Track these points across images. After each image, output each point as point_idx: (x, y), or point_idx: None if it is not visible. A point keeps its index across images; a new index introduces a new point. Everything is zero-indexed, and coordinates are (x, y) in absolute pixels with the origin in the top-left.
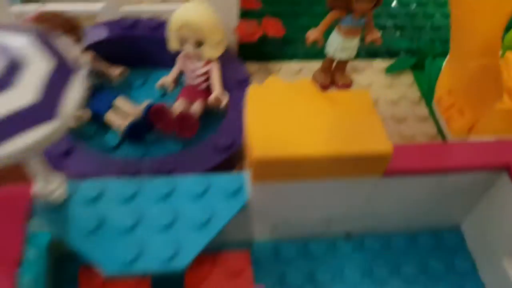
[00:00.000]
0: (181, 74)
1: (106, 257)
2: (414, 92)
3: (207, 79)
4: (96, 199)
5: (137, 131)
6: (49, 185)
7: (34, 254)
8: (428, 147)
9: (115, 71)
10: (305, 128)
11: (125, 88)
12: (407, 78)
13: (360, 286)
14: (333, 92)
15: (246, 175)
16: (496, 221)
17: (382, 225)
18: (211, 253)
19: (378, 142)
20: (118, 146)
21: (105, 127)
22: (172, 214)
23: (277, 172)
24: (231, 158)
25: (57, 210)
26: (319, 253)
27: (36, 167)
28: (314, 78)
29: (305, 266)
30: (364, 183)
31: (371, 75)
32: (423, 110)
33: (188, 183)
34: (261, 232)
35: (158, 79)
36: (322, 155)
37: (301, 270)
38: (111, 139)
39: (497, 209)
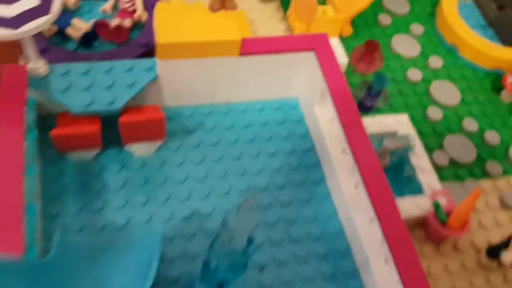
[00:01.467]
0: (116, 1)
1: (73, 103)
2: (281, 13)
3: (133, 4)
4: (65, 74)
5: (88, 39)
6: (37, 64)
7: (30, 114)
8: (270, 39)
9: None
10: (196, 27)
11: (78, 13)
12: (277, 3)
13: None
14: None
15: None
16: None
17: (246, 93)
18: (135, 106)
19: (238, 34)
20: (75, 50)
21: (66, 38)
22: (113, 80)
23: (174, 52)
24: (149, 51)
25: (42, 81)
26: (207, 113)
27: (30, 51)
28: (210, 3)
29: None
30: (230, 60)
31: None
32: (284, 25)
33: (121, 64)
34: (168, 100)
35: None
36: (206, 41)
37: (195, 125)
38: (71, 46)
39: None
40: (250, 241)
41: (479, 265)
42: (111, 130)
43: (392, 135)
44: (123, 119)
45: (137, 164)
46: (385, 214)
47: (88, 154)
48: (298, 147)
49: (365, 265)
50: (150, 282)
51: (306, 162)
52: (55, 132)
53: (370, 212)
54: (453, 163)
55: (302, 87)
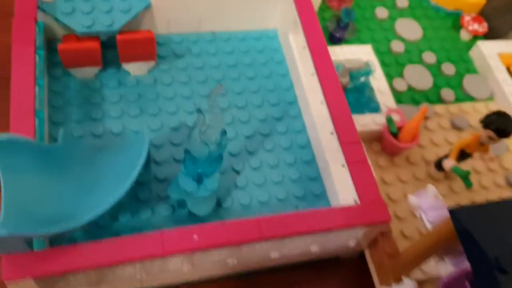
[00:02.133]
0: None
1: (77, 24)
2: None
3: None
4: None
5: None
6: None
7: (39, 35)
8: None
9: None
10: None
11: None
12: None
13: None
14: None
15: None
16: (287, 19)
17: (229, 24)
18: (131, 30)
19: None
20: None
21: None
22: (111, 5)
23: None
24: None
25: (50, 5)
26: (194, 40)
27: None
28: None
29: (186, 51)
30: None
31: None
32: None
33: None
34: (159, 27)
35: None
36: None
37: (184, 50)
38: None
39: (290, 11)
40: (223, 133)
41: (428, 175)
42: (110, 51)
43: (356, 61)
44: (120, 37)
45: (132, 82)
46: (343, 127)
47: (90, 72)
48: (274, 72)
49: (326, 169)
50: (136, 171)
51: (281, 85)
52: (61, 47)
53: (330, 125)
54: (411, 89)
55: (280, 18)
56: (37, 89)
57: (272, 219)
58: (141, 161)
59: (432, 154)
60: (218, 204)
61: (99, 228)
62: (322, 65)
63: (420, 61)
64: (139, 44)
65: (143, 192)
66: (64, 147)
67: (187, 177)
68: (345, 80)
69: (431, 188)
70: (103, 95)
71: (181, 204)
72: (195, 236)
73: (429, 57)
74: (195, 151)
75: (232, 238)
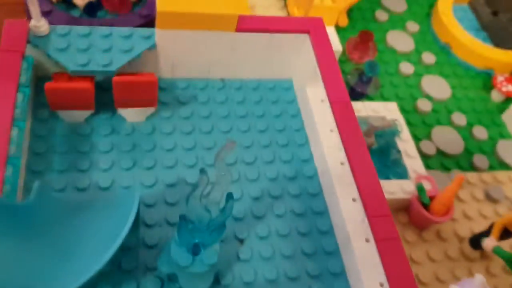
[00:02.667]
0: None
1: (70, 62)
2: (282, 2)
3: None
4: (65, 34)
5: (92, 8)
6: (39, 23)
7: (27, 70)
8: (266, 18)
9: None
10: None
11: None
12: None
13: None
14: None
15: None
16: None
17: (241, 71)
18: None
19: (236, 9)
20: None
21: (71, 5)
22: (111, 44)
23: (173, 22)
24: (150, 23)
25: (42, 39)
26: (201, 87)
27: (34, 9)
28: None
29: (192, 98)
30: (227, 35)
31: None
32: (284, 13)
33: (120, 30)
34: (164, 71)
35: None
36: (204, 12)
37: (189, 97)
38: (75, 13)
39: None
40: (228, 197)
41: (462, 254)
42: (106, 95)
43: (383, 119)
44: (117, 79)
45: (127, 129)
46: (368, 193)
47: (80, 115)
48: (288, 126)
49: (346, 244)
50: (122, 236)
51: (295, 140)
52: (49, 86)
53: (354, 190)
54: (440, 153)
55: (296, 68)
56: (15, 132)
57: None
58: (128, 223)
59: (465, 229)
60: (216, 280)
61: None
62: (345, 121)
63: (449, 123)
64: (139, 88)
65: (128, 260)
66: (38, 204)
67: (181, 247)
68: (370, 140)
69: (478, 278)
70: (93, 142)
71: (172, 278)
72: None
73: (459, 118)
74: (193, 217)
75: None
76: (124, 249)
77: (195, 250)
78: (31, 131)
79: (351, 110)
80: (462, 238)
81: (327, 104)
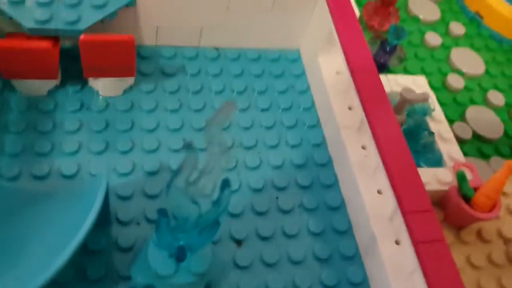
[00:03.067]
0: None
1: (26, 18)
2: None
3: None
4: None
5: None
6: None
7: None
8: None
9: None
10: None
11: None
12: None
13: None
14: None
15: None
16: (317, 35)
17: (239, 39)
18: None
19: None
20: None
21: None
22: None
23: None
24: None
25: None
26: (191, 56)
27: None
28: None
29: (179, 69)
30: None
31: None
32: None
33: None
34: (146, 36)
35: None
36: None
37: (175, 68)
38: None
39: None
40: (224, 185)
41: (509, 259)
42: (74, 64)
43: (417, 92)
44: (84, 37)
45: (100, 105)
46: (403, 182)
47: (41, 87)
48: (296, 104)
49: (370, 246)
50: (83, 233)
51: (305, 121)
52: (0, 44)
53: (380, 180)
54: (476, 137)
55: (306, 34)
56: None
57: None
58: (91, 217)
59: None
60: None
61: None
62: (370, 95)
63: (484, 102)
64: (111, 49)
65: (95, 266)
66: None
67: (161, 251)
68: (401, 118)
69: None
70: (56, 120)
71: None
72: None
73: (495, 97)
74: (177, 212)
75: None
76: (90, 252)
77: (179, 255)
78: None
79: (379, 82)
80: (508, 239)
81: (346, 75)
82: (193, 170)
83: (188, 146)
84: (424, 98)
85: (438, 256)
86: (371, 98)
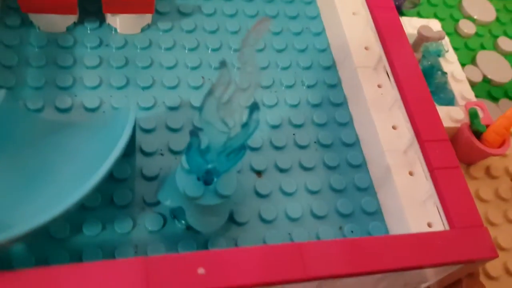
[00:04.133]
0: None
1: None
2: None
3: None
4: None
5: None
6: None
7: None
8: None
9: None
10: None
11: None
12: None
13: None
14: None
15: None
16: None
17: None
18: None
19: None
20: None
21: None
22: None
23: None
24: None
25: None
26: None
27: None
28: None
29: (195, 8)
30: None
31: None
32: None
33: None
34: None
35: None
36: None
37: (192, 7)
38: None
39: None
40: (253, 108)
41: None
42: (95, 1)
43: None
44: None
45: (119, 42)
46: (420, 114)
47: (60, 22)
48: (311, 45)
49: (384, 178)
50: (112, 159)
51: (321, 64)
52: None
53: (397, 115)
54: (486, 81)
55: None
56: None
57: (317, 246)
58: (121, 144)
59: None
60: (230, 217)
61: (51, 243)
62: (390, 32)
63: (494, 48)
64: None
65: (122, 193)
66: (4, 117)
67: (190, 174)
68: (417, 56)
69: None
70: (76, 56)
71: (177, 214)
72: (201, 270)
73: (505, 43)
74: (208, 135)
75: (259, 276)
76: (117, 180)
77: (207, 179)
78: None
79: (397, 19)
80: None
81: (363, 15)
82: (226, 90)
83: (222, 65)
84: (440, 36)
85: (454, 181)
86: (390, 34)
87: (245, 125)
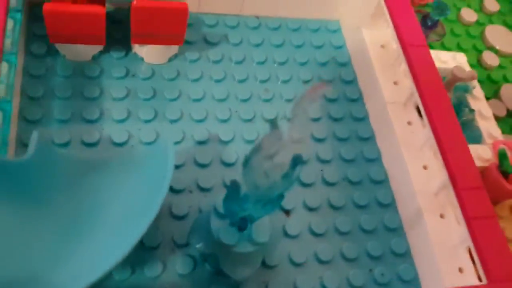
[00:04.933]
0: None
1: None
2: None
3: None
4: None
5: None
6: None
7: None
8: None
9: None
10: None
11: None
12: None
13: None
14: None
15: None
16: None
17: (280, 8)
18: None
19: None
20: None
21: None
22: None
23: None
24: None
25: None
26: (233, 24)
27: None
28: None
29: (222, 38)
30: None
31: None
32: None
33: None
34: (190, 4)
35: None
36: None
37: (219, 36)
38: None
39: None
40: (296, 160)
41: None
42: (118, 28)
43: (466, 70)
44: (138, 2)
45: (146, 72)
46: (455, 158)
47: (87, 52)
48: (337, 76)
49: (415, 220)
50: (158, 205)
51: (347, 96)
52: (48, 7)
53: (428, 155)
54: (510, 115)
55: (348, 6)
56: (4, 68)
57: None
58: (165, 186)
59: None
60: (262, 262)
61: None
62: (421, 67)
63: None
64: (164, 16)
65: (151, 234)
66: (38, 161)
67: (224, 219)
68: (449, 95)
69: None
70: (103, 86)
71: (208, 258)
72: None
73: None
74: (248, 185)
75: None
76: None
77: (241, 224)
78: (24, 69)
79: (430, 57)
80: None
81: (394, 48)
82: (273, 147)
83: (273, 123)
84: (473, 77)
85: (490, 231)
86: (422, 72)
87: (286, 176)
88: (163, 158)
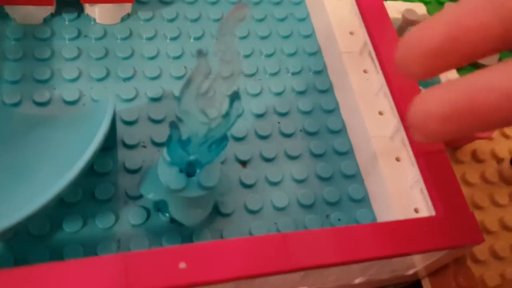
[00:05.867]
0: None
1: None
2: None
3: None
4: None
5: None
6: None
7: None
8: None
9: None
10: None
11: None
12: None
13: None
14: None
15: None
16: None
17: None
18: None
19: None
20: None
21: None
22: None
23: None
24: None
25: None
26: None
27: None
28: None
29: None
30: None
31: None
32: None
33: None
34: None
35: None
36: None
37: None
38: None
39: None
40: (234, 97)
41: (501, 177)
42: None
43: (418, 13)
44: None
45: (98, 32)
46: (406, 101)
47: (37, 13)
48: (296, 31)
49: (371, 165)
50: (90, 151)
51: (306, 50)
52: None
53: (383, 101)
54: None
55: None
56: None
57: (303, 236)
58: (99, 137)
59: (504, 149)
60: (215, 208)
61: (31, 241)
62: (375, 18)
63: None
64: None
65: (103, 187)
66: None
67: (172, 167)
68: None
69: None
70: (54, 48)
71: (160, 207)
72: (182, 265)
73: None
74: (188, 126)
75: (242, 268)
76: (98, 175)
77: (189, 170)
78: None
79: (382, 6)
80: (500, 159)
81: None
82: (204, 79)
83: (200, 53)
84: (425, 19)
85: (440, 166)
86: (374, 20)
87: (226, 115)
88: (102, 113)
